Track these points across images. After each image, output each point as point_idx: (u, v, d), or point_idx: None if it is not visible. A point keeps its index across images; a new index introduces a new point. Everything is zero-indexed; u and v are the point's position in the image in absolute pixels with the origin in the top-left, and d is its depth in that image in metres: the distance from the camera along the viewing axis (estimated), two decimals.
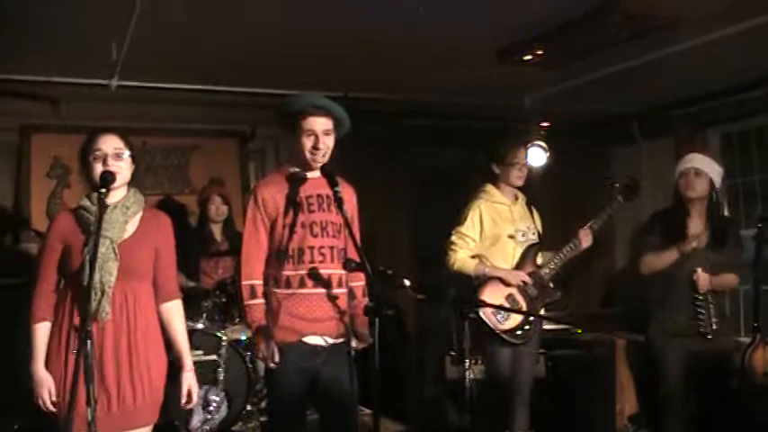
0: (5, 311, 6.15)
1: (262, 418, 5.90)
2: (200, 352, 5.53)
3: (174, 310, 3.82)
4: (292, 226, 4.00)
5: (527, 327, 5.24)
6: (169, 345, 3.80)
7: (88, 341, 3.05)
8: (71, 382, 3.05)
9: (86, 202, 3.57)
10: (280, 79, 6.21)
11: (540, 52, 5.74)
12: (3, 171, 6.94)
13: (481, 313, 5.09)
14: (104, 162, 3.52)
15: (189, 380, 3.79)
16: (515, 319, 5.20)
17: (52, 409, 3.51)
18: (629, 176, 5.54)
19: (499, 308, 5.09)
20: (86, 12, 4.81)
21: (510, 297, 5.24)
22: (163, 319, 3.77)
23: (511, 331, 5.19)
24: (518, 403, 5.31)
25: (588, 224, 5.37)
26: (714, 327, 5.02)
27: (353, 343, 4.07)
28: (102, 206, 3.38)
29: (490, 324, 5.15)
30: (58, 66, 6.02)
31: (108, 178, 3.44)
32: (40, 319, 3.57)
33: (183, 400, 3.80)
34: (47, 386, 3.51)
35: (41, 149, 6.99)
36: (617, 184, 5.45)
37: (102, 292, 3.44)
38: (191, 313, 5.77)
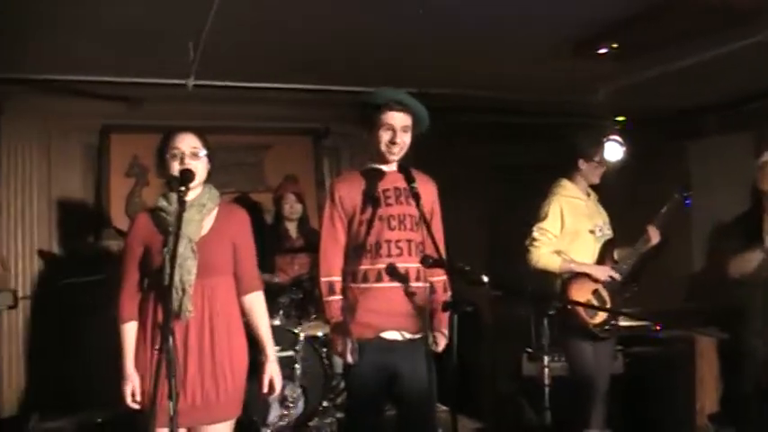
0: (87, 307, 6.34)
1: (338, 414, 5.91)
2: (276, 348, 5.53)
3: (256, 301, 3.85)
4: (370, 220, 4.00)
5: (613, 322, 5.21)
6: (250, 341, 3.84)
7: (170, 338, 3.10)
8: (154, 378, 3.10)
9: (163, 203, 3.62)
10: (353, 76, 6.23)
11: (615, 45, 5.67)
12: (84, 170, 7.08)
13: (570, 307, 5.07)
14: (181, 160, 3.57)
15: (271, 370, 3.83)
16: (602, 313, 5.15)
17: (133, 405, 3.60)
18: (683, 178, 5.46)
19: (584, 305, 5.06)
20: (163, 12, 4.88)
21: (596, 293, 5.20)
22: (245, 310, 3.82)
23: (599, 326, 5.15)
24: (596, 401, 5.25)
25: (653, 220, 5.31)
26: None
27: (429, 339, 4.04)
28: (182, 204, 3.41)
29: (582, 319, 5.11)
30: (136, 66, 6.11)
31: (188, 176, 3.49)
32: (127, 319, 3.65)
33: (265, 390, 3.83)
34: (131, 383, 3.60)
35: (120, 149, 7.12)
36: (676, 195, 5.38)
37: (183, 291, 3.49)
38: (267, 309, 5.85)
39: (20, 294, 6.58)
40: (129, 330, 3.65)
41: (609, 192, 5.58)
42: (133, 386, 3.59)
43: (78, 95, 6.60)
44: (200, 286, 3.57)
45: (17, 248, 6.70)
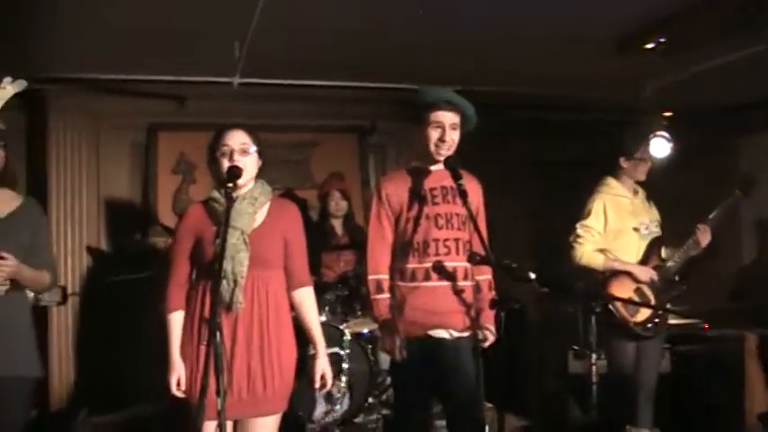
0: (135, 303, 6.41)
1: (383, 411, 5.92)
2: None
3: (306, 297, 3.86)
4: (417, 219, 4.01)
5: (656, 320, 5.15)
6: (299, 335, 3.85)
7: (218, 332, 3.11)
8: (202, 371, 3.11)
9: (216, 194, 3.63)
10: (399, 74, 6.23)
11: (662, 40, 5.62)
12: (132, 168, 7.16)
13: (611, 306, 5.03)
14: (231, 157, 3.58)
15: (323, 365, 3.84)
16: (645, 312, 5.11)
17: (178, 394, 3.62)
18: (744, 173, 5.37)
19: (630, 302, 5.01)
20: (209, 11, 4.91)
21: (638, 291, 5.16)
22: (294, 305, 3.83)
23: (641, 324, 5.11)
24: (642, 399, 5.21)
25: (705, 220, 5.24)
26: None
27: (480, 335, 4.03)
28: (230, 200, 3.43)
29: (621, 317, 5.07)
30: (183, 65, 6.17)
31: (235, 173, 3.49)
32: (173, 308, 3.67)
33: (317, 385, 3.85)
34: (177, 373, 3.62)
35: (167, 147, 7.18)
36: (737, 191, 5.30)
37: (235, 282, 3.50)
38: None
39: (69, 291, 6.64)
40: (176, 320, 3.66)
41: (657, 188, 5.52)
42: (179, 375, 3.61)
43: (126, 94, 6.69)
44: (252, 279, 3.57)
45: (66, 245, 6.77)
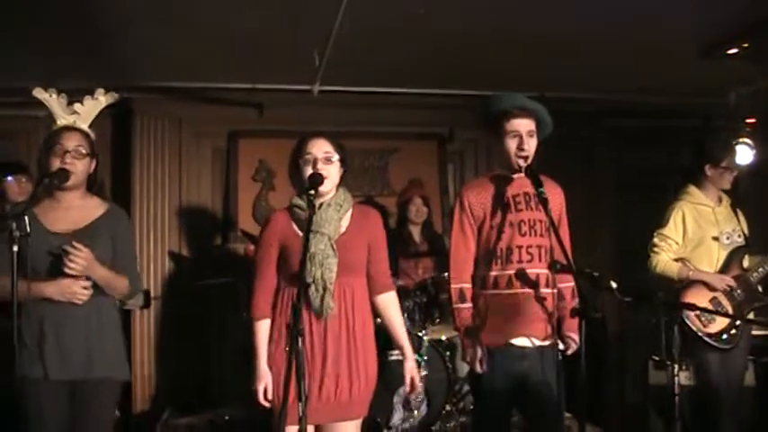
0: (216, 308, 6.51)
1: (461, 419, 5.89)
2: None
3: (390, 301, 3.89)
4: (500, 226, 4.00)
5: (733, 331, 5.03)
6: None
7: (299, 339, 3.11)
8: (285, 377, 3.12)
9: (299, 201, 3.68)
10: (478, 81, 6.22)
11: (745, 45, 5.53)
12: (213, 175, 7.26)
13: (684, 316, 4.94)
14: (314, 165, 3.62)
15: (411, 368, 3.84)
16: (721, 322, 5.01)
17: (264, 403, 3.64)
18: None
19: (705, 310, 4.90)
20: (290, 20, 4.97)
21: (715, 300, 5.06)
22: (379, 310, 3.86)
23: (716, 335, 5.01)
24: (726, 412, 5.09)
25: None
26: None
27: (561, 346, 4.00)
28: (312, 207, 3.45)
29: (694, 327, 4.98)
30: (264, 73, 6.25)
31: (316, 180, 3.53)
32: (260, 316, 3.69)
33: (408, 389, 3.86)
34: (264, 381, 3.64)
35: (247, 154, 7.25)
36: None
37: (325, 288, 3.54)
38: None
39: (152, 295, 6.76)
40: (263, 328, 3.69)
41: (744, 197, 5.42)
42: (266, 384, 3.63)
43: (207, 102, 6.80)
44: (339, 285, 3.61)
45: (149, 250, 6.90)
